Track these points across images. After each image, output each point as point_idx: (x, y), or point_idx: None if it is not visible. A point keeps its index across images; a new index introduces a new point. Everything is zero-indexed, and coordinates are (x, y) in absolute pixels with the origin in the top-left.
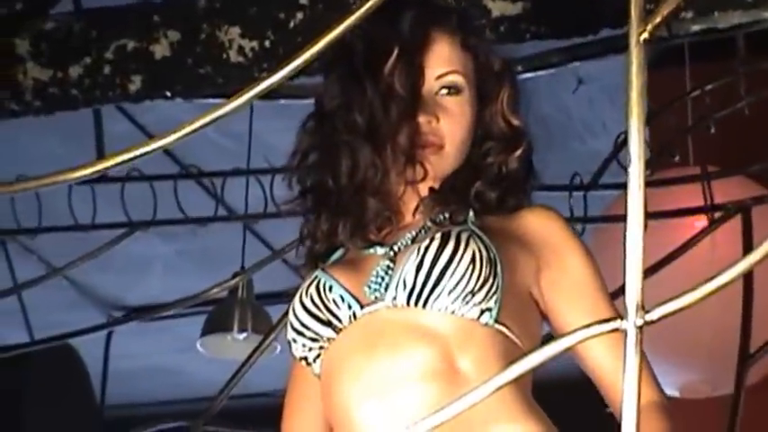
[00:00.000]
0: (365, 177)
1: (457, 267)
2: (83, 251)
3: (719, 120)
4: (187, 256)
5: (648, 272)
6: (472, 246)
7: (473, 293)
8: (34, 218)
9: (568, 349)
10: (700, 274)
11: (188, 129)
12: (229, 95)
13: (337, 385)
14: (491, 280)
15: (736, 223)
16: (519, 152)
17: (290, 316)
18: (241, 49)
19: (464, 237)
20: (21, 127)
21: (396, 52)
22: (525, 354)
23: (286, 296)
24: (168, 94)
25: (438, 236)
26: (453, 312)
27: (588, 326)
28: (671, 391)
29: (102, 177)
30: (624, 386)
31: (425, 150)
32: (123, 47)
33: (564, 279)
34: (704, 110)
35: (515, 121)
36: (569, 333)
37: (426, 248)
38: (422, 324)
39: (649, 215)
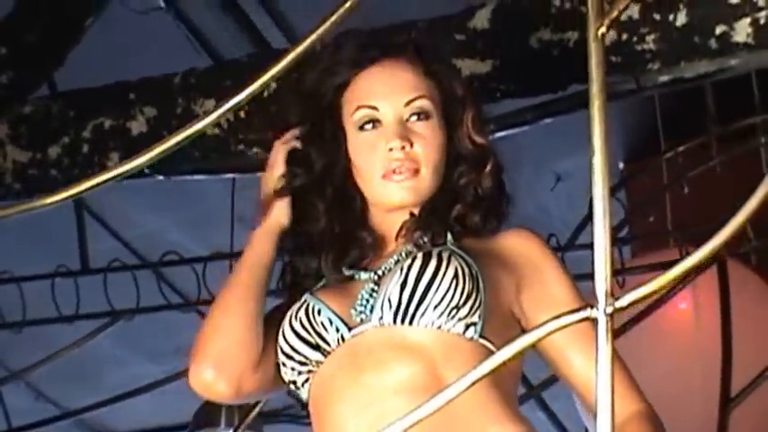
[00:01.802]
0: (342, 211)
1: (441, 283)
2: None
3: (693, 179)
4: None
5: (621, 331)
6: (454, 263)
7: (458, 308)
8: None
9: (554, 365)
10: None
11: (170, 142)
12: (206, 171)
13: (326, 406)
14: (474, 295)
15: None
16: (488, 168)
17: (280, 339)
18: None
19: (445, 255)
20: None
21: (355, 83)
22: (510, 369)
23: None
24: (147, 171)
25: (420, 255)
26: (439, 327)
27: (558, 316)
28: None
29: (85, 269)
30: (597, 375)
31: (402, 175)
32: (101, 125)
33: (544, 296)
34: (678, 170)
35: (480, 140)
36: (539, 325)
37: (409, 267)
38: (408, 341)
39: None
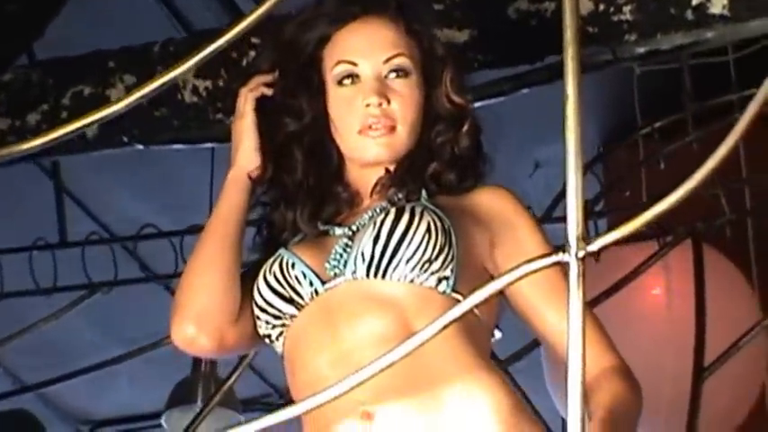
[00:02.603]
0: (319, 164)
1: (413, 237)
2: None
3: (669, 154)
4: (152, 362)
5: (594, 302)
6: (426, 217)
7: (430, 262)
8: None
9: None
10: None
11: (140, 93)
12: (185, 140)
13: (300, 360)
14: (447, 249)
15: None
16: (466, 128)
17: (255, 293)
18: (195, 90)
19: (418, 210)
20: None
21: (336, 38)
22: (484, 322)
23: None
24: (125, 139)
25: (393, 210)
26: (412, 281)
27: (531, 261)
28: None
29: (63, 242)
30: (569, 320)
31: (378, 132)
32: (80, 92)
33: (517, 254)
34: (655, 146)
35: (459, 100)
36: (510, 270)
37: (382, 222)
38: (380, 294)
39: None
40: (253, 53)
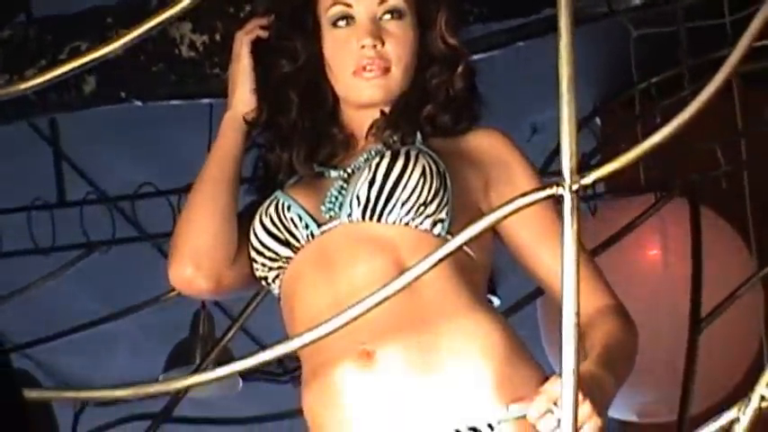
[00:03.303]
0: (313, 105)
1: (408, 180)
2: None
3: (665, 110)
4: (151, 331)
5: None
6: (422, 161)
7: (425, 204)
8: None
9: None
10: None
11: (132, 34)
12: (182, 96)
13: (298, 302)
14: (442, 192)
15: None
16: (460, 69)
17: (251, 235)
18: (192, 44)
19: (413, 153)
20: None
21: None
22: (479, 261)
23: None
24: (123, 94)
25: (388, 153)
26: (407, 224)
27: (525, 194)
28: (628, 416)
29: (61, 201)
30: (563, 252)
31: (372, 73)
32: (77, 48)
33: (511, 192)
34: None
35: (453, 41)
36: (506, 203)
37: (377, 165)
38: (376, 236)
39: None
40: (249, 8)
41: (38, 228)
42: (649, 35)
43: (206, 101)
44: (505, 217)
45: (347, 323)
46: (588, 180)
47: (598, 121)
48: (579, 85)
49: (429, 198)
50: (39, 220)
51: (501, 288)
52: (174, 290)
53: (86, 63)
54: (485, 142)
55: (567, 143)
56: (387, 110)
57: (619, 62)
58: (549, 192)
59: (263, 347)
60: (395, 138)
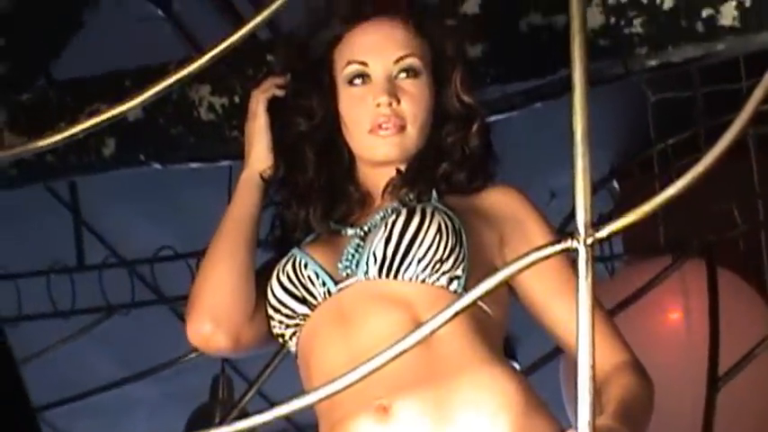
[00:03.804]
0: (330, 163)
1: (425, 237)
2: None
3: (682, 169)
4: (169, 396)
5: (611, 313)
6: (437, 218)
7: (441, 261)
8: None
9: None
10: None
11: (150, 92)
12: (202, 158)
13: (314, 359)
14: (458, 249)
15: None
16: (475, 127)
17: (268, 293)
18: (211, 107)
19: (429, 210)
20: None
21: (347, 39)
22: (496, 319)
23: None
24: (142, 157)
25: (404, 211)
26: (423, 281)
27: (540, 247)
28: None
29: (80, 265)
30: (578, 307)
31: (388, 131)
32: (97, 111)
33: (527, 249)
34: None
35: (468, 99)
36: (521, 256)
37: (393, 223)
38: (393, 293)
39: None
40: (267, 69)
41: (57, 291)
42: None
43: (225, 163)
44: (521, 271)
45: (363, 377)
46: (603, 233)
47: (615, 184)
48: (597, 147)
49: (445, 255)
50: (58, 283)
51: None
52: (192, 352)
53: (104, 121)
54: (500, 199)
55: (582, 196)
56: (402, 168)
57: (636, 126)
58: (563, 245)
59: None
60: (411, 196)
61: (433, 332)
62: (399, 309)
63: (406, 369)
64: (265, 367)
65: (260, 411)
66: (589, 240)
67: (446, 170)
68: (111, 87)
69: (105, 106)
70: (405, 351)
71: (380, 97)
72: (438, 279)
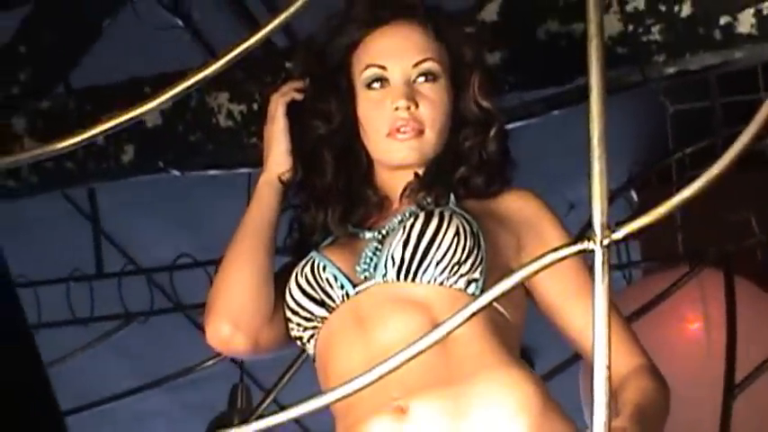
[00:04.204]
0: (348, 167)
1: (443, 240)
2: None
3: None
4: (187, 407)
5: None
6: (455, 221)
7: (459, 264)
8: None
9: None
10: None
11: (167, 95)
12: (220, 165)
13: (331, 361)
14: (476, 251)
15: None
16: (493, 132)
17: (287, 295)
18: (230, 114)
19: (447, 214)
20: None
21: (366, 43)
22: (513, 321)
23: None
24: (161, 164)
25: (422, 214)
26: (441, 284)
27: (556, 249)
28: None
29: (99, 273)
30: (594, 308)
31: (406, 135)
32: (115, 118)
33: (546, 249)
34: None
35: (486, 104)
36: (538, 258)
37: (411, 226)
38: (411, 296)
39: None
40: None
41: (76, 298)
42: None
43: (244, 170)
44: (537, 272)
45: (380, 378)
46: (619, 235)
47: (633, 193)
48: (614, 156)
49: (463, 257)
50: (77, 291)
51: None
52: (210, 359)
53: (121, 123)
54: (517, 203)
55: (598, 198)
56: (420, 172)
57: (654, 135)
58: (579, 247)
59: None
60: (428, 200)
61: (449, 333)
62: (417, 312)
63: (424, 370)
64: (282, 375)
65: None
66: (605, 241)
67: (464, 174)
68: (131, 95)
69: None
70: (421, 352)
71: (399, 101)
72: (456, 282)
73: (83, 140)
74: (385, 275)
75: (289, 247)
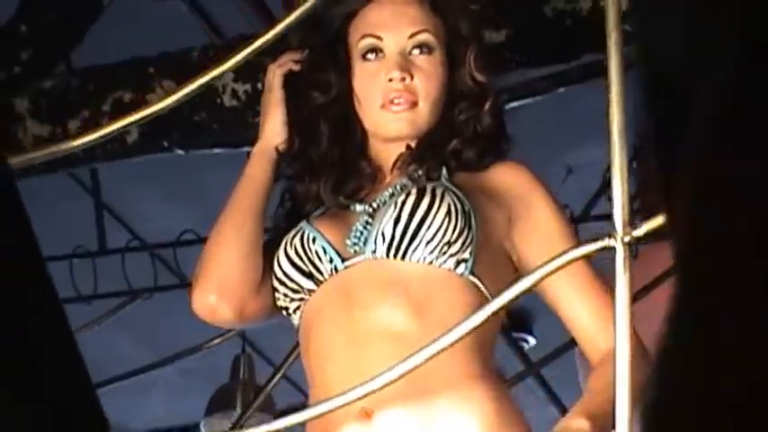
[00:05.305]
0: (343, 138)
1: (434, 219)
2: None
3: None
4: (189, 375)
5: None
6: (447, 199)
7: (449, 244)
8: None
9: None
10: None
11: (180, 93)
12: (225, 144)
13: (315, 334)
14: (466, 231)
15: None
16: (488, 106)
17: (275, 265)
18: (234, 93)
19: (439, 191)
20: None
21: (363, 13)
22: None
23: None
24: (165, 144)
25: (414, 191)
26: (431, 263)
27: (576, 246)
28: None
29: (102, 250)
30: (616, 305)
31: (400, 107)
32: (120, 99)
33: (534, 231)
34: None
35: (481, 78)
36: (557, 257)
37: (403, 203)
38: (398, 277)
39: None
40: None
41: (79, 275)
42: None
43: (248, 149)
44: (557, 269)
45: (361, 398)
46: (640, 232)
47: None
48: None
49: (454, 237)
50: (80, 267)
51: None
52: (216, 337)
53: (137, 120)
54: (508, 177)
55: (619, 195)
56: (413, 144)
57: None
58: (600, 244)
59: (303, 393)
60: (420, 172)
61: (460, 339)
62: (404, 296)
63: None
64: (290, 353)
65: (284, 397)
66: (626, 239)
67: (456, 147)
68: (135, 75)
69: (129, 94)
70: (404, 375)
71: (393, 72)
72: (445, 261)
73: (97, 138)
74: (374, 251)
75: (279, 216)
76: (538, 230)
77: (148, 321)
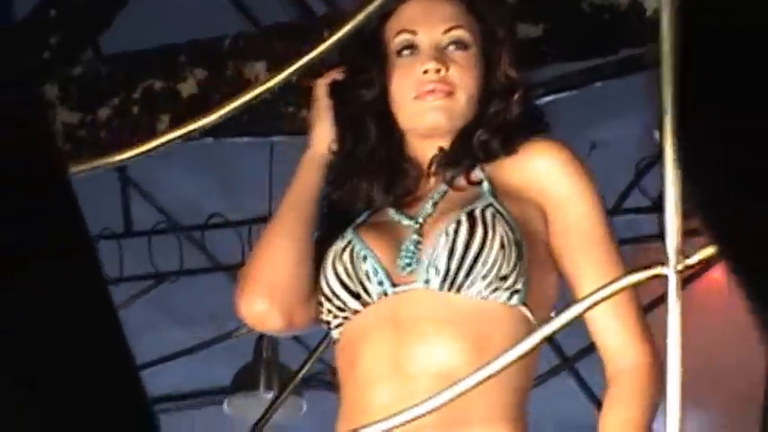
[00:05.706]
0: (389, 137)
1: (489, 254)
2: None
3: None
4: (214, 352)
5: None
6: (499, 229)
7: (505, 278)
8: None
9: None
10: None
11: (235, 103)
12: (255, 133)
13: (359, 358)
14: (519, 263)
15: None
16: (516, 97)
17: (321, 279)
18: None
19: (489, 217)
20: None
21: (398, 11)
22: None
23: None
24: (195, 133)
25: (464, 218)
26: (485, 297)
27: (629, 273)
28: None
29: (128, 231)
30: (668, 331)
31: (434, 95)
32: (150, 87)
33: (569, 231)
34: None
35: (512, 73)
36: (609, 283)
37: (456, 232)
38: (452, 311)
39: None
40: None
41: (105, 257)
42: None
43: (277, 138)
44: (611, 296)
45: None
46: (693, 260)
47: (656, 134)
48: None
49: (508, 272)
50: (106, 249)
51: None
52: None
53: (184, 135)
54: (539, 165)
55: (673, 223)
56: (446, 143)
57: None
58: (652, 272)
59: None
60: (457, 175)
61: (503, 369)
62: (459, 332)
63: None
64: (324, 336)
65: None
66: (679, 267)
67: (482, 138)
68: (165, 63)
69: (159, 83)
70: (465, 391)
71: (428, 63)
72: (500, 295)
73: (144, 152)
74: (428, 282)
75: (322, 218)
76: (574, 231)
77: (177, 304)
